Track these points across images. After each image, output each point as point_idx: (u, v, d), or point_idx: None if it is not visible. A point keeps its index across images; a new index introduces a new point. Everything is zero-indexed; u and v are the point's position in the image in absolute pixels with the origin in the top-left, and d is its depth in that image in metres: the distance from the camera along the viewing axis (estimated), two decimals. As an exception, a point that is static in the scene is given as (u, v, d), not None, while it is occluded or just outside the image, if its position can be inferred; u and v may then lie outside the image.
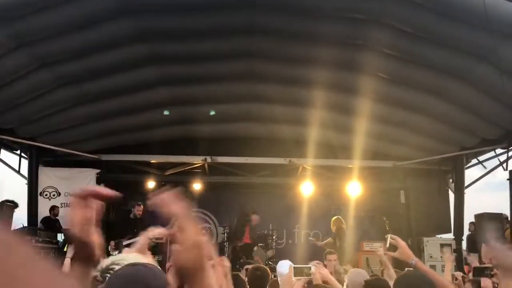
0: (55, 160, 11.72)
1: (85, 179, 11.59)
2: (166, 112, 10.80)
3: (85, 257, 1.18)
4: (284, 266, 5.06)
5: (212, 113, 10.98)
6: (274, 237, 12.05)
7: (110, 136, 11.46)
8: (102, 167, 11.89)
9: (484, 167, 11.80)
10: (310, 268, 3.38)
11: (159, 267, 1.52)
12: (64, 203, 11.25)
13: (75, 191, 1.21)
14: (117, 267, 1.77)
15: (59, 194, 11.36)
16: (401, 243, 2.86)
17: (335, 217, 11.12)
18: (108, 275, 1.72)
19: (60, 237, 11.45)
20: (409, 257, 2.78)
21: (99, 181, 11.67)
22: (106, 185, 11.99)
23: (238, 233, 11.75)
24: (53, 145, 10.86)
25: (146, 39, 8.21)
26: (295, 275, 3.42)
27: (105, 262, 1.74)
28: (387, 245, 3.01)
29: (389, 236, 3.00)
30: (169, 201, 1.09)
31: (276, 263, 10.91)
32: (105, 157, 11.90)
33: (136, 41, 8.18)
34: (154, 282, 1.37)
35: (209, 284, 1.07)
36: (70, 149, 11.15)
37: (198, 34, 8.20)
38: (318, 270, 3.72)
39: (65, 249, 11.15)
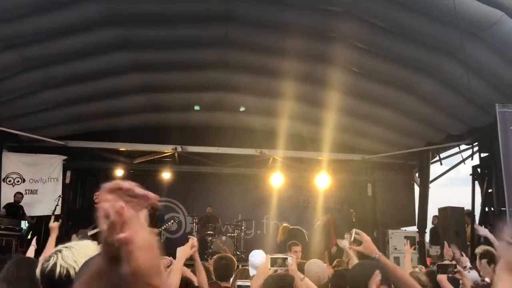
0: (20, 145, 11.40)
1: (51, 166, 11.32)
2: (196, 107, 10.95)
3: (109, 256, 1.05)
4: (256, 256, 5.09)
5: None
6: (243, 227, 12.09)
7: (78, 122, 11.21)
8: (69, 153, 11.62)
9: (441, 163, 12.15)
10: (286, 258, 3.40)
11: None
12: (29, 190, 10.97)
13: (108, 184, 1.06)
14: (64, 250, 1.76)
15: (23, 180, 11.06)
16: (365, 237, 2.92)
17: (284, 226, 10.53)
18: (55, 255, 1.72)
19: (24, 224, 11.18)
20: (373, 251, 2.84)
21: (65, 168, 11.43)
22: (73, 173, 11.78)
23: None
24: (18, 130, 10.54)
25: (117, 24, 8.03)
26: (271, 265, 3.43)
27: (59, 246, 1.74)
28: (352, 239, 3.07)
29: (353, 230, 3.06)
30: (114, 203, 0.97)
31: (244, 252, 11.02)
32: (72, 144, 11.65)
33: (106, 25, 7.99)
34: None
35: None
36: (36, 135, 10.86)
37: (171, 20, 8.09)
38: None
39: (28, 237, 10.92)
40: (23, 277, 2.67)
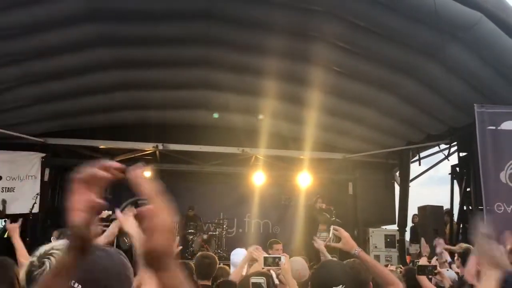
0: (-3, 142, 11.18)
1: (29, 163, 11.12)
2: (215, 115, 11.01)
3: (78, 249, 1.05)
4: (237, 254, 5.08)
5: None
6: (224, 226, 12.06)
7: (57, 119, 11.02)
8: (47, 151, 11.44)
9: (420, 164, 12.32)
10: (280, 258, 3.39)
11: (118, 250, 1.43)
12: (6, 188, 10.76)
13: (77, 174, 1.08)
14: (57, 253, 1.70)
15: (0, 178, 10.84)
16: (344, 233, 2.93)
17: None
18: (47, 260, 1.65)
19: (0, 223, 10.96)
20: (352, 248, 2.84)
21: (44, 166, 11.23)
22: (52, 170, 11.58)
23: None
24: (-5, 126, 10.33)
25: (97, 19, 7.91)
26: (264, 265, 3.43)
27: (44, 248, 1.67)
28: (330, 235, 3.07)
29: (331, 227, 3.06)
30: (143, 179, 1.02)
31: (226, 251, 11.00)
32: (51, 141, 11.46)
33: (87, 20, 7.85)
34: (114, 266, 1.31)
35: (177, 271, 1.01)
36: (14, 132, 10.64)
37: (152, 17, 8.00)
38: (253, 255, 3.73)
39: (5, 236, 10.69)
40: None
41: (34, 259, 1.60)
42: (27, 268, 1.70)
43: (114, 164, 1.10)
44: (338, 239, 2.95)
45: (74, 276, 1.09)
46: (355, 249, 2.82)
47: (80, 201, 1.04)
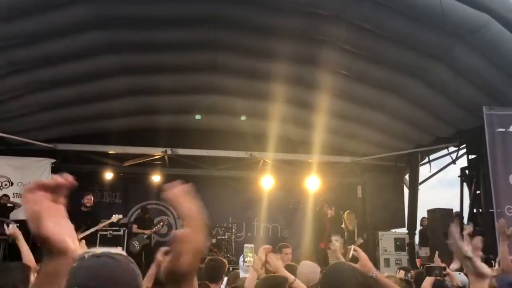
0: (8, 148, 11.26)
1: (40, 169, 11.21)
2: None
3: (50, 251, 1.08)
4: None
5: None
6: (233, 230, 12.07)
7: (67, 125, 11.11)
8: (57, 156, 11.53)
9: (430, 166, 12.26)
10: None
11: (127, 257, 1.36)
12: (17, 193, 10.85)
13: (26, 186, 1.13)
14: None
15: (11, 184, 10.94)
16: (362, 255, 2.89)
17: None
18: None
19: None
20: (370, 270, 2.80)
21: (54, 171, 11.32)
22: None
23: None
24: (6, 133, 10.44)
25: (105, 26, 7.99)
26: None
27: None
28: (350, 256, 3.03)
29: (352, 247, 3.02)
30: (183, 198, 1.02)
31: (235, 255, 11.01)
32: (61, 147, 11.55)
33: (94, 27, 7.94)
34: (123, 274, 1.21)
35: (193, 284, 1.02)
36: (24, 138, 10.76)
37: (160, 23, 8.06)
38: (261, 258, 3.62)
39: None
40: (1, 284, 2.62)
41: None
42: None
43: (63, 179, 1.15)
44: (356, 259, 2.92)
45: (73, 280, 1.10)
46: (373, 271, 2.80)
47: (29, 209, 1.10)
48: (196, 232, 1.00)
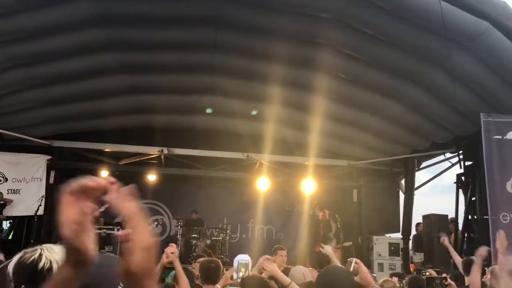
0: (3, 144, 11.20)
1: (35, 165, 11.17)
2: (253, 112, 10.82)
3: (75, 261, 1.04)
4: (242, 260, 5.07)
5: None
6: (228, 231, 12.05)
7: (64, 122, 11.06)
8: (53, 153, 11.48)
9: (428, 173, 12.27)
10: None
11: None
12: (12, 189, 10.81)
13: (68, 187, 1.05)
14: (48, 245, 1.74)
15: (6, 179, 10.89)
16: (363, 268, 2.88)
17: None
18: (37, 250, 1.70)
19: (5, 224, 11.01)
20: (369, 284, 2.79)
21: (49, 168, 11.28)
22: (58, 173, 11.61)
23: None
24: (2, 128, 10.38)
25: (104, 24, 7.97)
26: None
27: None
28: (351, 269, 3.00)
29: (353, 260, 3.01)
30: (121, 199, 1.01)
31: (229, 256, 10.97)
32: (57, 144, 11.51)
33: (94, 25, 7.92)
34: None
35: None
36: (20, 134, 10.70)
37: (159, 22, 8.05)
38: (263, 265, 3.67)
39: (9, 237, 10.75)
40: None
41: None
42: (20, 255, 1.72)
43: (105, 180, 1.07)
44: (356, 272, 2.90)
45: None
46: (373, 285, 2.78)
47: (71, 214, 1.01)
48: (139, 231, 0.99)
